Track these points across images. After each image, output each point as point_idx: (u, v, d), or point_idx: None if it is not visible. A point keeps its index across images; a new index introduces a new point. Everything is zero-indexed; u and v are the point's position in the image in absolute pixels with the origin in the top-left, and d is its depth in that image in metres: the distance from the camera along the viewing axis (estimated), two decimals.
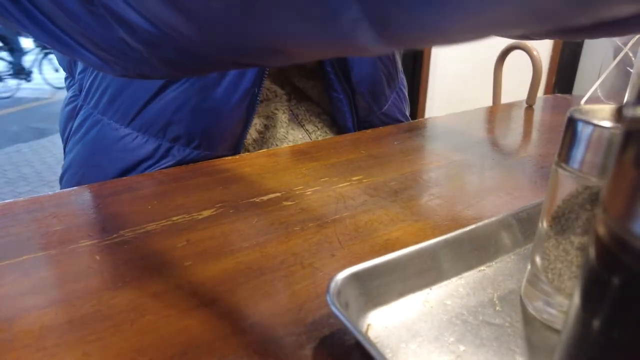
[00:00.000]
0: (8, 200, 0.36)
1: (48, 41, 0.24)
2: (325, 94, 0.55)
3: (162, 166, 0.46)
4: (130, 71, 0.25)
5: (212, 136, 0.46)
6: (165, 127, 0.45)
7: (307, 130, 0.55)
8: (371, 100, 0.56)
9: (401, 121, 0.62)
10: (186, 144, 0.45)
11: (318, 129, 0.55)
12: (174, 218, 0.33)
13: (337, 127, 0.57)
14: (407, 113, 0.65)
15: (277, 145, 0.52)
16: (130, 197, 0.37)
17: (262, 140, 0.52)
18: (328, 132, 0.56)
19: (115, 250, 0.29)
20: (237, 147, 0.48)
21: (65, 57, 0.55)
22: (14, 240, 0.30)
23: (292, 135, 0.54)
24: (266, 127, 0.52)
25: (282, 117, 0.53)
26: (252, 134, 0.51)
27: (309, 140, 0.55)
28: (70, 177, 0.51)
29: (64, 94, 0.59)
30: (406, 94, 0.65)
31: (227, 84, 0.45)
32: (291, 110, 0.55)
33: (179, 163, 0.46)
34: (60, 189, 0.53)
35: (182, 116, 0.45)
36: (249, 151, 0.52)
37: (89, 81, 0.50)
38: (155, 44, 0.19)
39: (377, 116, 0.57)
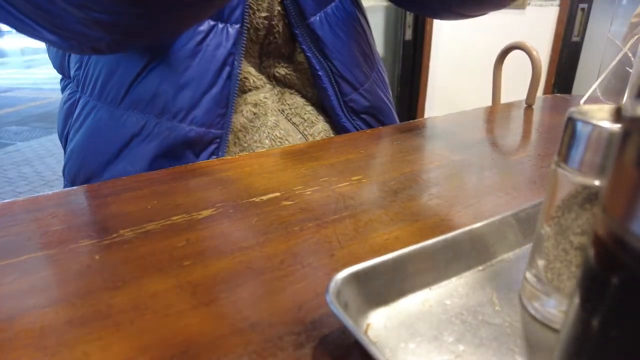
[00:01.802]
0: (8, 200, 0.36)
1: (13, 24, 0.30)
2: (306, 75, 0.56)
3: (151, 144, 0.46)
4: (85, 45, 0.31)
5: (196, 109, 0.46)
6: (150, 101, 0.46)
7: (294, 123, 0.56)
8: (350, 75, 0.56)
9: (385, 102, 0.62)
10: (172, 118, 0.46)
11: (304, 120, 0.56)
12: (174, 218, 0.33)
13: (324, 110, 0.58)
14: (390, 99, 0.65)
15: (268, 133, 0.52)
16: (130, 197, 0.37)
17: (254, 129, 0.52)
18: (315, 121, 0.56)
19: (115, 250, 0.29)
20: (224, 125, 0.48)
21: (57, 59, 0.57)
22: (14, 240, 0.30)
23: (282, 124, 0.54)
24: (256, 115, 0.52)
25: (272, 105, 0.54)
26: (240, 119, 0.51)
27: (298, 132, 0.55)
28: (72, 166, 0.51)
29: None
30: (386, 80, 0.65)
31: (204, 53, 0.46)
32: (279, 101, 0.56)
33: (170, 142, 0.46)
34: (64, 180, 0.54)
35: (164, 89, 0.46)
36: (239, 138, 0.52)
37: (84, 73, 0.52)
38: (82, 4, 0.25)
39: (360, 93, 0.57)
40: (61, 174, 0.55)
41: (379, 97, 0.61)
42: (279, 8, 0.51)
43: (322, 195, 0.37)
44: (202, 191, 0.38)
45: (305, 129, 0.56)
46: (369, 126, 0.59)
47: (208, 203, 0.36)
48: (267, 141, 0.51)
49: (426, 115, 2.32)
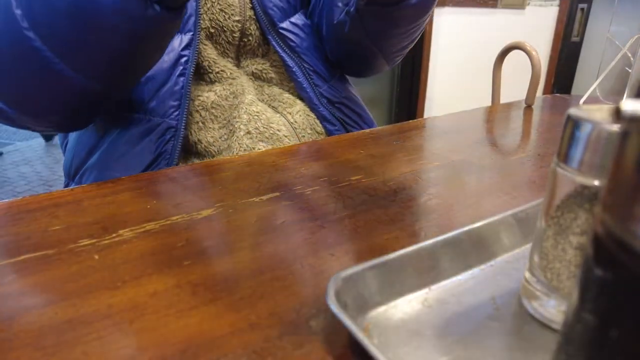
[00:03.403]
0: (7, 200, 0.36)
1: None
2: (282, 70, 0.62)
3: (120, 133, 0.52)
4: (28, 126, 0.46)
5: (153, 101, 0.53)
6: (120, 100, 0.52)
7: (274, 107, 0.60)
8: (319, 69, 0.62)
9: (353, 98, 0.67)
10: (134, 110, 0.52)
11: (283, 103, 0.61)
12: (173, 217, 0.33)
13: (301, 98, 0.63)
14: (359, 100, 0.70)
15: (246, 109, 0.55)
16: (130, 197, 0.37)
17: (232, 107, 0.56)
18: (293, 104, 0.61)
19: (114, 250, 0.29)
20: (178, 117, 0.53)
21: None
22: (13, 239, 0.30)
23: (261, 104, 0.57)
24: (233, 94, 0.56)
25: (249, 89, 0.58)
26: (212, 97, 0.55)
27: (277, 112, 0.58)
28: (67, 159, 0.57)
29: None
30: (352, 86, 0.71)
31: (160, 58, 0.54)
32: (258, 93, 0.60)
33: (132, 130, 0.51)
34: (64, 174, 0.57)
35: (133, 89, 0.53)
36: (216, 116, 0.55)
37: None
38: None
39: (331, 86, 0.63)
40: (60, 174, 0.58)
41: (349, 90, 0.67)
42: (250, 13, 0.58)
43: (322, 195, 0.37)
44: (202, 191, 0.38)
45: (285, 109, 0.60)
46: (346, 115, 0.64)
47: (208, 203, 0.36)
48: (245, 116, 0.55)
49: (426, 115, 2.32)
